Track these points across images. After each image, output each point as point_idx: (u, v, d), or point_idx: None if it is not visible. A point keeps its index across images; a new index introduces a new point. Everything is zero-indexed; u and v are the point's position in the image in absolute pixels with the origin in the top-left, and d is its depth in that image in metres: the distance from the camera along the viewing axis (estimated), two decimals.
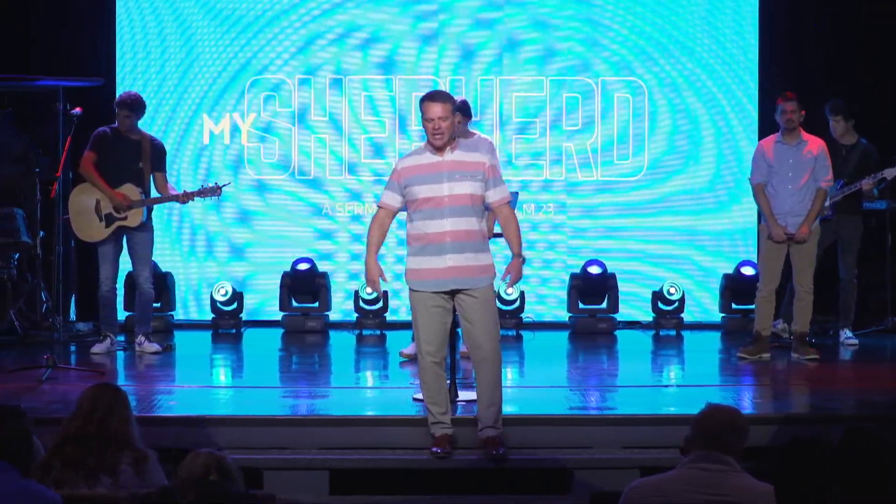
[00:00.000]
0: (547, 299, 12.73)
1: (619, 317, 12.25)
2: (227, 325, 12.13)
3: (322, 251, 12.66)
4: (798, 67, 12.48)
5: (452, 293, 7.42)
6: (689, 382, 9.97)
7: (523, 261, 7.56)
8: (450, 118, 7.38)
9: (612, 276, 12.23)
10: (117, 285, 10.71)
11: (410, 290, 7.52)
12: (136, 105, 10.46)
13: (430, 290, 7.40)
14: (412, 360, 10.14)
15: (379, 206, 7.63)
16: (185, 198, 10.50)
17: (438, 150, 7.41)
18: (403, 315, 12.16)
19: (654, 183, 12.75)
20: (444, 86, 12.44)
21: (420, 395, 8.04)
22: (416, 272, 7.46)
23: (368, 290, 7.55)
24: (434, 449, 7.43)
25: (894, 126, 12.05)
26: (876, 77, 12.38)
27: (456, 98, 10.27)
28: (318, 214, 12.72)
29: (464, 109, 9.92)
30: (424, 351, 7.46)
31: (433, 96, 7.48)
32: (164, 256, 12.42)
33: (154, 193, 10.56)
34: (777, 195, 10.17)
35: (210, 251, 12.72)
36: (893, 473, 4.26)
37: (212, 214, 12.66)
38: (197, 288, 12.71)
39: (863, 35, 12.50)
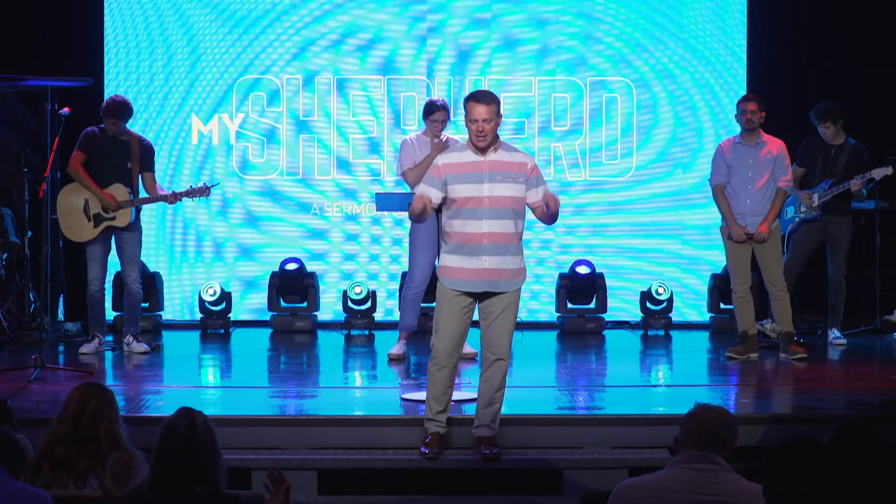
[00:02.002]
0: (535, 299, 12.72)
1: (607, 317, 12.25)
2: (215, 325, 12.11)
3: (312, 251, 12.65)
4: (787, 66, 12.49)
5: (482, 295, 7.39)
6: (678, 382, 9.99)
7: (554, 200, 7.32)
8: (494, 120, 7.26)
9: (601, 276, 12.23)
10: (105, 285, 10.70)
11: (440, 286, 7.45)
12: (120, 111, 10.42)
13: (462, 290, 7.36)
14: (399, 360, 10.17)
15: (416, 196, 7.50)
16: (174, 198, 10.49)
17: (481, 150, 7.34)
18: (392, 316, 12.18)
19: (643, 182, 12.75)
20: (435, 86, 12.46)
21: (410, 395, 8.05)
22: (449, 270, 7.40)
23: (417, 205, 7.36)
24: (423, 450, 7.42)
25: (884, 125, 12.06)
26: (868, 70, 12.39)
27: (436, 99, 10.35)
28: (308, 214, 12.71)
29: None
30: (442, 348, 7.40)
31: (478, 97, 7.36)
32: (154, 257, 12.41)
33: (143, 193, 10.55)
34: (737, 195, 10.23)
35: (198, 251, 12.70)
36: (885, 470, 4.27)
37: (201, 214, 12.63)
38: (185, 288, 12.69)
39: (854, 28, 12.50)
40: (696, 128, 12.78)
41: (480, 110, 7.26)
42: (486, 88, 12.47)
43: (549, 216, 7.46)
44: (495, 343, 7.43)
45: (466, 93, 12.30)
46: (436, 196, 7.38)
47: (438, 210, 7.52)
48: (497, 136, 7.38)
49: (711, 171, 10.45)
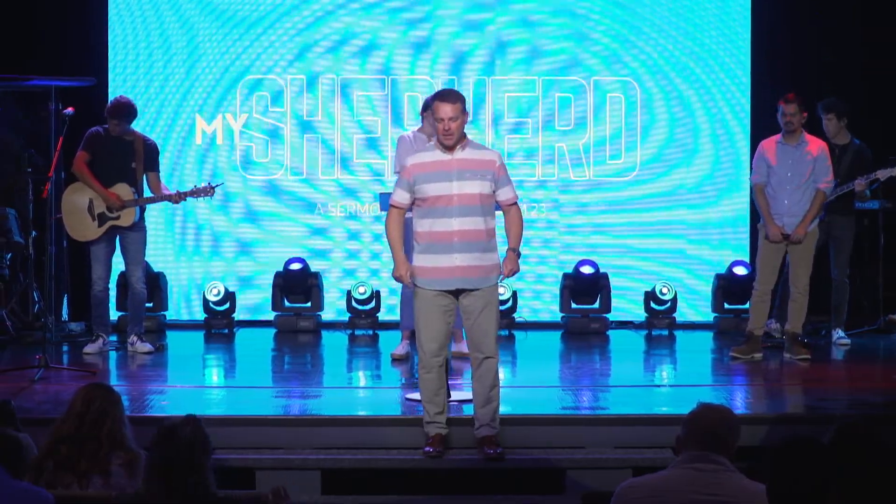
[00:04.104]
0: (539, 299, 12.72)
1: (611, 316, 12.24)
2: (219, 325, 12.11)
3: (315, 250, 12.64)
4: (791, 61, 12.46)
5: (456, 292, 7.42)
6: (682, 382, 9.98)
7: (518, 255, 7.56)
8: (460, 118, 7.34)
9: (605, 276, 12.22)
10: (110, 285, 10.71)
11: (415, 287, 7.49)
12: (123, 112, 10.42)
13: (436, 289, 7.39)
14: (403, 360, 10.16)
15: (391, 206, 7.58)
16: (178, 198, 10.50)
17: (448, 148, 7.40)
18: (395, 315, 12.18)
19: (646, 180, 12.74)
20: (437, 85, 12.45)
21: (413, 395, 8.05)
22: (422, 270, 7.44)
23: (400, 282, 7.64)
24: (427, 449, 7.43)
25: (887, 125, 12.04)
26: (871, 72, 12.37)
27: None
28: (311, 213, 12.71)
29: None
30: (427, 350, 7.44)
31: (443, 96, 7.45)
32: (158, 257, 12.41)
33: (147, 193, 10.56)
34: (776, 195, 10.18)
35: (202, 250, 12.70)
36: (886, 470, 4.27)
37: (205, 214, 12.63)
38: (188, 288, 12.68)
39: (858, 28, 12.48)
40: (695, 127, 12.75)
41: (446, 109, 7.34)
42: (490, 88, 12.55)
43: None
44: (480, 342, 7.46)
45: (469, 93, 12.44)
46: (408, 200, 7.51)
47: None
48: (464, 135, 7.46)
49: (752, 170, 10.42)
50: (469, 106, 11.93)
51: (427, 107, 10.22)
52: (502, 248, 7.56)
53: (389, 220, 7.61)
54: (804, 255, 10.21)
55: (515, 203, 7.58)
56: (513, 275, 7.61)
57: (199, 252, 12.71)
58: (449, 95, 7.46)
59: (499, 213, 7.62)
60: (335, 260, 12.73)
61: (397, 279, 7.65)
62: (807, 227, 10.12)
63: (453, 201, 7.34)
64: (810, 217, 10.13)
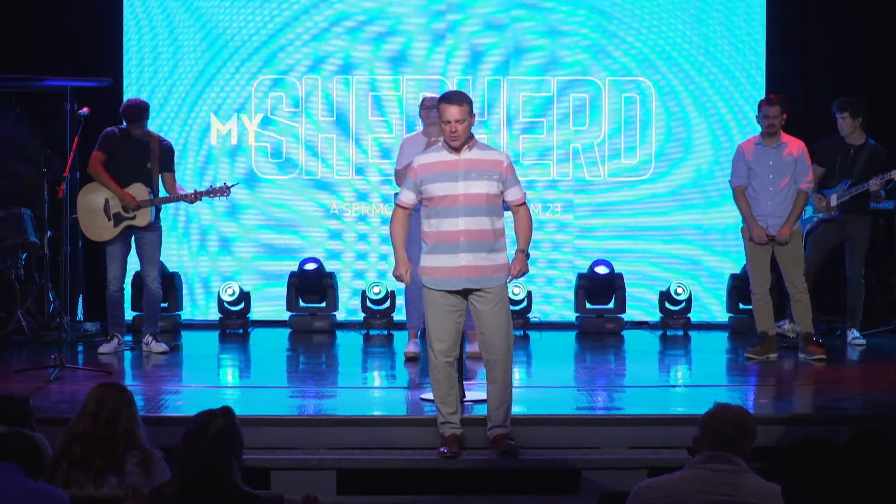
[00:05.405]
0: (554, 299, 12.71)
1: (626, 317, 12.23)
2: (234, 325, 12.11)
3: (329, 251, 12.63)
4: (806, 65, 12.43)
5: (465, 292, 7.42)
6: (697, 383, 9.97)
7: (527, 256, 7.56)
8: (466, 119, 7.35)
9: (620, 276, 12.20)
10: (125, 285, 10.72)
11: (423, 287, 7.51)
12: (139, 114, 10.45)
13: (443, 289, 7.40)
14: (414, 360, 10.16)
15: (397, 205, 7.64)
16: (194, 198, 10.52)
17: (455, 149, 7.41)
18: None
19: (661, 181, 12.71)
20: (451, 85, 12.44)
21: (428, 395, 8.05)
22: (429, 270, 7.46)
23: (399, 282, 7.73)
24: (442, 449, 7.43)
25: (888, 120, 11.97)
26: (886, 75, 12.33)
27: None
28: (326, 214, 12.70)
29: None
30: (437, 350, 7.44)
31: (449, 98, 7.46)
32: (172, 257, 12.42)
33: (163, 193, 10.57)
34: (757, 197, 10.18)
35: (214, 250, 12.70)
36: None
37: (215, 215, 12.63)
38: (204, 288, 12.69)
39: (871, 33, 12.45)
40: (711, 129, 12.73)
41: (453, 111, 7.35)
42: (505, 87, 12.54)
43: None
44: (491, 343, 7.47)
45: (484, 92, 12.44)
46: (413, 200, 7.56)
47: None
48: (472, 136, 7.48)
49: (732, 172, 10.40)
50: (483, 105, 12.13)
51: (424, 106, 10.24)
52: (513, 249, 7.57)
53: (394, 219, 7.66)
54: (793, 255, 10.21)
55: (524, 203, 7.59)
56: (521, 275, 7.61)
57: (213, 252, 12.69)
58: (454, 97, 7.47)
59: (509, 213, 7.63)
60: (349, 261, 12.70)
61: (397, 278, 7.70)
62: (791, 228, 10.12)
63: (459, 201, 7.35)
64: (794, 217, 10.13)
